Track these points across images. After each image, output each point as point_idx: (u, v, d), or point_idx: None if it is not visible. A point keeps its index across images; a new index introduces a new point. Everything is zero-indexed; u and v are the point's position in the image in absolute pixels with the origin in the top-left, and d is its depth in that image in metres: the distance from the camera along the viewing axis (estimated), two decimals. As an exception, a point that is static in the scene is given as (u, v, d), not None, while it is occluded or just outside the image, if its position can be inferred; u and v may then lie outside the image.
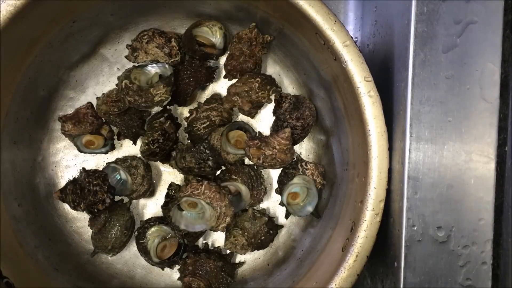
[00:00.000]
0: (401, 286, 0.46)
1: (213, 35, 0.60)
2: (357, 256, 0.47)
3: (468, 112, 0.45)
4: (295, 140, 0.61)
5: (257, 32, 0.58)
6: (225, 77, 0.62)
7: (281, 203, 0.62)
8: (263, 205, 0.65)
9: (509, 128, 0.47)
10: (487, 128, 0.45)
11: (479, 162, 0.45)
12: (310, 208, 0.59)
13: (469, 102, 0.45)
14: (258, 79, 0.59)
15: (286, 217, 0.63)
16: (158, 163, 0.65)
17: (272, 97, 0.60)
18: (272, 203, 0.65)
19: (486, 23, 0.45)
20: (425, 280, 0.45)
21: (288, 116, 0.59)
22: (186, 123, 0.62)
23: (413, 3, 0.45)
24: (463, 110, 0.45)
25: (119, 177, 0.62)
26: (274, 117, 0.62)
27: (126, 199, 0.64)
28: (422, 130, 0.46)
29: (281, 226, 0.64)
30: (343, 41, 0.47)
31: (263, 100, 0.59)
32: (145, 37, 0.58)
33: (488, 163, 0.45)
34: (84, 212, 0.60)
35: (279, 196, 0.62)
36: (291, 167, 0.60)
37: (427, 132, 0.46)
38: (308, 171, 0.59)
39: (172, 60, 0.59)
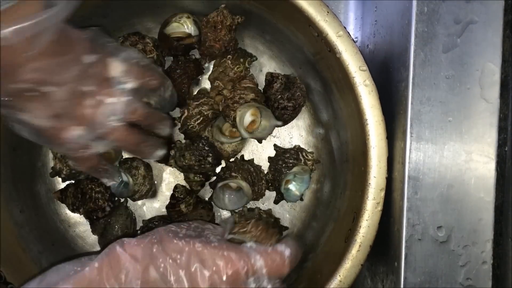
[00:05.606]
0: (401, 286, 0.46)
1: (184, 26, 0.59)
2: (360, 246, 0.47)
3: (468, 112, 0.45)
4: (286, 121, 0.61)
5: (225, 14, 0.56)
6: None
7: (273, 188, 0.62)
8: (264, 204, 0.65)
9: (509, 128, 0.47)
10: (487, 128, 0.45)
11: (479, 162, 0.45)
12: (298, 193, 0.61)
13: (469, 102, 0.45)
14: (229, 56, 0.59)
15: (276, 202, 0.63)
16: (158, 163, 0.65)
17: (249, 65, 0.61)
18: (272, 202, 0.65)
19: (486, 23, 0.44)
20: (425, 280, 0.46)
21: (280, 96, 0.59)
22: (179, 123, 0.61)
23: (413, 3, 0.44)
24: (463, 110, 0.45)
25: (120, 179, 0.62)
26: (265, 97, 0.61)
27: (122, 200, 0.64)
28: (422, 130, 0.45)
29: (286, 228, 0.64)
30: (337, 31, 0.47)
31: (242, 72, 0.59)
32: (120, 38, 0.59)
33: (488, 163, 0.45)
34: (83, 216, 0.60)
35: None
36: (291, 157, 0.61)
37: (428, 132, 0.45)
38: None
39: (148, 56, 0.59)
